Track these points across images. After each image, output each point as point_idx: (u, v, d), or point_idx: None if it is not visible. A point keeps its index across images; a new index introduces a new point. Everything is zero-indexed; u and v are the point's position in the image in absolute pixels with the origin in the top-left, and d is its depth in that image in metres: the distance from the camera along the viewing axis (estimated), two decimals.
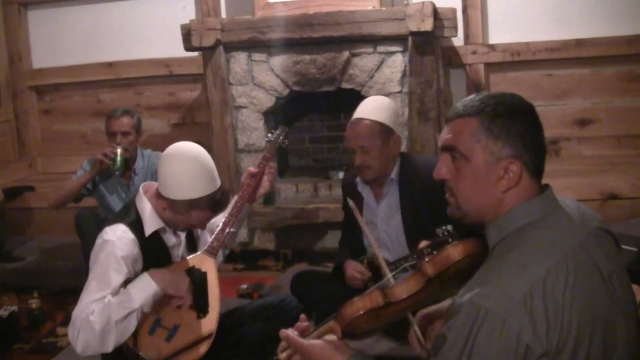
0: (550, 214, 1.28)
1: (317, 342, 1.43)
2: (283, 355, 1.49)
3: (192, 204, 2.09)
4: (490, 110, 1.28)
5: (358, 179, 2.63)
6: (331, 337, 1.44)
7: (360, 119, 2.51)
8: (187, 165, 2.07)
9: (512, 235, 1.27)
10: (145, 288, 1.99)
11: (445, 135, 1.35)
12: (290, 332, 1.46)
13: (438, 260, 1.43)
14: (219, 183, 2.15)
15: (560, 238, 1.25)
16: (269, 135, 2.63)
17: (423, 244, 2.16)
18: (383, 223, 2.59)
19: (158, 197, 2.14)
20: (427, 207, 2.46)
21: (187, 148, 2.13)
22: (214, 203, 2.13)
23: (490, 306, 1.16)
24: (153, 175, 3.57)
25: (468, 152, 1.29)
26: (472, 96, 1.35)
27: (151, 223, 2.13)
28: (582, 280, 1.21)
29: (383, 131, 2.49)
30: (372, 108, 2.54)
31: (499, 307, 1.15)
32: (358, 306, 1.44)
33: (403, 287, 1.45)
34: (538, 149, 1.28)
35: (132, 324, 1.97)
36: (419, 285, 1.44)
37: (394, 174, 2.56)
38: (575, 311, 1.18)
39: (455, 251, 1.41)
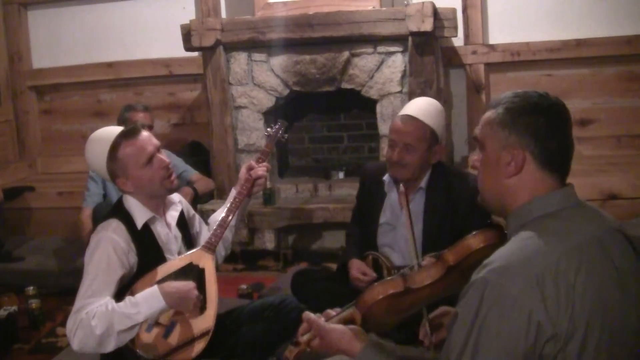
0: (569, 208, 1.32)
1: (338, 326, 1.48)
2: (303, 338, 1.53)
3: (117, 159, 2.11)
4: (505, 102, 1.36)
5: (386, 177, 2.59)
6: (351, 325, 1.48)
7: (415, 118, 2.46)
8: (90, 154, 2.19)
9: (530, 224, 1.31)
10: (154, 304, 2.01)
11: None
12: (313, 315, 1.51)
13: (458, 249, 1.47)
14: (114, 134, 2.16)
15: (577, 229, 1.28)
16: (268, 129, 2.61)
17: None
18: (404, 229, 2.55)
19: (123, 188, 2.17)
20: (450, 220, 2.44)
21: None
22: (125, 137, 2.13)
23: (503, 283, 1.19)
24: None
25: (483, 140, 1.39)
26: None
27: (140, 215, 2.16)
28: (595, 271, 1.23)
29: (431, 137, 2.47)
30: (429, 111, 2.49)
31: (512, 284, 1.19)
32: (379, 290, 1.49)
33: (424, 275, 1.50)
34: (550, 142, 1.32)
35: (133, 333, 2.00)
36: (439, 273, 1.48)
37: (423, 183, 2.53)
38: (587, 300, 1.20)
39: (475, 240, 1.46)
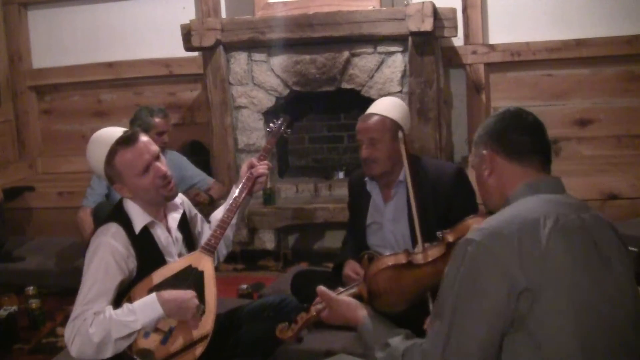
0: (552, 190, 1.45)
1: (346, 298, 1.68)
2: (315, 308, 1.72)
3: (113, 165, 2.10)
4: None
5: (367, 179, 2.62)
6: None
7: (372, 114, 2.56)
8: (90, 156, 2.16)
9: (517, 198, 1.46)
10: (151, 312, 1.99)
11: None
12: (325, 289, 1.70)
13: (457, 229, 1.60)
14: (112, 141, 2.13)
15: (560, 203, 1.41)
16: (271, 125, 2.60)
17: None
18: (390, 224, 2.57)
19: (121, 193, 2.15)
20: (435, 211, 2.45)
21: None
22: (122, 144, 2.10)
23: (481, 239, 1.33)
24: (179, 170, 3.72)
25: (471, 163, 1.59)
26: None
27: (139, 219, 2.13)
28: (572, 237, 1.34)
29: (393, 127, 2.51)
30: (385, 105, 2.59)
31: (489, 239, 1.32)
32: (384, 261, 1.65)
33: (426, 253, 1.64)
34: (509, 134, 1.50)
35: (131, 340, 1.98)
36: (440, 251, 1.62)
37: (402, 176, 2.54)
38: (560, 258, 1.30)
39: (473, 220, 1.58)
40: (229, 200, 2.36)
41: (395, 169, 2.55)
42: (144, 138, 2.13)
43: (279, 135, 2.57)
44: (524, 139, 1.48)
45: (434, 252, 1.61)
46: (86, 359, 1.98)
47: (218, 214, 2.42)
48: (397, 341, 1.48)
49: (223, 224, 2.29)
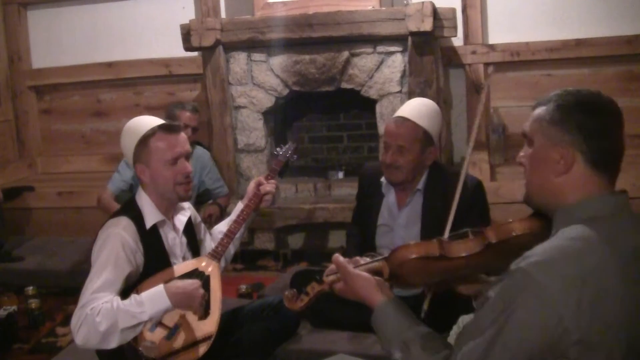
0: (618, 215, 1.30)
1: (364, 274, 1.49)
2: (328, 278, 1.55)
3: (147, 144, 2.15)
4: (556, 99, 1.34)
5: (384, 180, 2.58)
6: (377, 277, 1.50)
7: (407, 119, 2.46)
8: (125, 133, 2.24)
9: (580, 224, 1.28)
10: (159, 303, 2.02)
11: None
12: (342, 258, 1.53)
13: (501, 229, 1.46)
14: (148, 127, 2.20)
15: (623, 238, 1.26)
16: (277, 149, 2.67)
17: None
18: (402, 230, 2.54)
19: (141, 176, 2.19)
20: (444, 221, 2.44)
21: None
22: (163, 129, 2.17)
23: (541, 278, 1.19)
24: (202, 169, 3.81)
25: (532, 136, 1.36)
26: None
27: (151, 216, 2.18)
28: (633, 283, 1.22)
29: (425, 139, 2.46)
30: (423, 113, 2.49)
31: (550, 281, 1.18)
32: (413, 250, 1.49)
33: (461, 246, 1.49)
34: (601, 142, 1.30)
35: (137, 331, 2.01)
36: (477, 248, 1.47)
37: (420, 185, 2.52)
38: (619, 311, 1.19)
39: (520, 225, 1.44)
40: (234, 214, 2.43)
41: (416, 178, 2.52)
42: (183, 134, 2.23)
43: (287, 160, 2.64)
44: (614, 149, 1.33)
45: (470, 246, 1.49)
46: (91, 347, 2.01)
47: (221, 226, 2.49)
48: (418, 350, 1.35)
49: (230, 234, 2.37)
